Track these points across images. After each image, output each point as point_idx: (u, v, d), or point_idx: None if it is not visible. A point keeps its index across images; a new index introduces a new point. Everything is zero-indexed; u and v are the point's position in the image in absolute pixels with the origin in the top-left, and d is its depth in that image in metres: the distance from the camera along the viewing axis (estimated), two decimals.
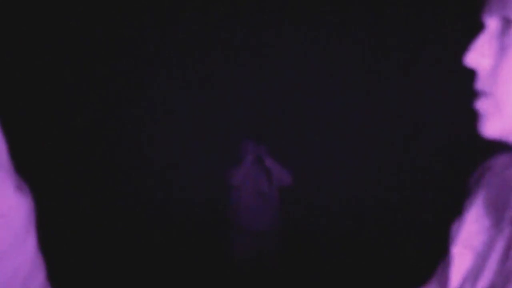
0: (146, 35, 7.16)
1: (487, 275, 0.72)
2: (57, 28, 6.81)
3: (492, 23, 0.72)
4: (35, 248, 0.62)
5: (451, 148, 6.59)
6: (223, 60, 7.32)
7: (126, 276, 5.87)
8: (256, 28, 7.14)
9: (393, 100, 7.03)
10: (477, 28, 0.75)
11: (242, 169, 5.18)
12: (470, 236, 0.78)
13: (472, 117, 0.74)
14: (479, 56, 0.72)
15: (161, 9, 7.07)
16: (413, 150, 7.09)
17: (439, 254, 0.87)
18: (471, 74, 0.75)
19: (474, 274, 0.74)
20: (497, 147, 0.75)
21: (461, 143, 5.15)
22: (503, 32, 0.71)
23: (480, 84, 0.72)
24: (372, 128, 7.19)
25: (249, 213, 5.19)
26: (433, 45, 6.77)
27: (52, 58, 6.90)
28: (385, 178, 7.02)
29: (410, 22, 6.87)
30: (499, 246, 0.72)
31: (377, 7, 6.96)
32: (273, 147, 5.34)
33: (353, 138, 7.21)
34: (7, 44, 6.32)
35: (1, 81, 6.00)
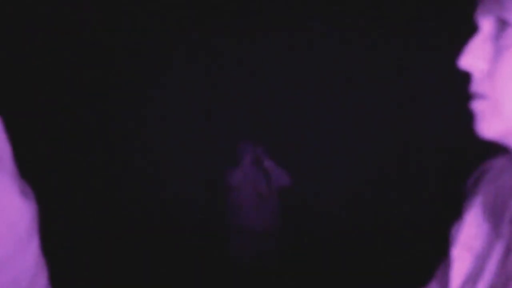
0: (146, 36, 7.16)
1: (487, 277, 0.72)
2: (57, 28, 6.81)
3: (486, 25, 0.71)
4: (38, 251, 0.62)
5: (449, 150, 6.60)
6: (222, 61, 7.32)
7: (126, 276, 5.87)
8: (255, 29, 7.14)
9: (392, 101, 7.03)
10: (473, 28, 0.74)
11: (240, 169, 5.19)
12: (469, 238, 0.77)
13: (470, 119, 0.73)
14: (473, 59, 0.71)
15: (160, 11, 7.07)
16: (412, 152, 7.09)
17: (439, 256, 0.87)
18: (468, 74, 0.74)
19: (474, 276, 0.74)
20: (495, 149, 0.75)
21: (460, 145, 5.16)
22: (498, 33, 0.69)
23: (476, 86, 0.71)
24: (370, 130, 7.19)
25: (248, 214, 5.19)
26: (432, 45, 6.77)
27: (51, 59, 6.90)
28: (384, 179, 7.02)
29: (408, 23, 6.87)
30: (498, 249, 0.72)
31: (373, 10, 6.96)
32: (271, 148, 5.35)
33: (351, 139, 7.21)
34: (7, 45, 6.32)
35: (2, 83, 5.99)
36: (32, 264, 0.61)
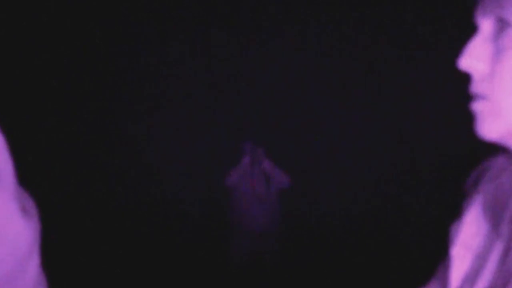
0: (146, 36, 7.16)
1: (486, 276, 0.72)
2: (57, 29, 6.81)
3: (486, 25, 0.70)
4: (38, 269, 0.59)
5: (449, 150, 6.59)
6: (222, 61, 7.32)
7: (126, 277, 5.87)
8: (255, 29, 7.14)
9: (391, 102, 7.03)
10: (473, 29, 0.73)
11: (238, 170, 5.19)
12: (469, 238, 0.77)
13: (470, 119, 0.73)
14: (473, 59, 0.70)
15: (160, 10, 7.07)
16: (411, 152, 7.09)
17: (438, 255, 0.87)
18: (468, 75, 0.73)
19: (473, 275, 0.74)
20: (494, 148, 0.75)
21: (459, 145, 5.16)
22: (497, 33, 0.69)
23: (476, 87, 0.71)
24: (370, 130, 7.19)
25: (247, 215, 5.19)
26: (432, 45, 6.77)
27: (51, 59, 6.89)
28: (384, 179, 7.02)
29: (408, 24, 6.87)
30: (498, 248, 0.71)
31: (373, 9, 6.96)
32: (271, 149, 5.35)
33: (351, 140, 7.21)
34: (7, 45, 6.32)
35: (2, 83, 5.99)
36: (31, 283, 0.58)
